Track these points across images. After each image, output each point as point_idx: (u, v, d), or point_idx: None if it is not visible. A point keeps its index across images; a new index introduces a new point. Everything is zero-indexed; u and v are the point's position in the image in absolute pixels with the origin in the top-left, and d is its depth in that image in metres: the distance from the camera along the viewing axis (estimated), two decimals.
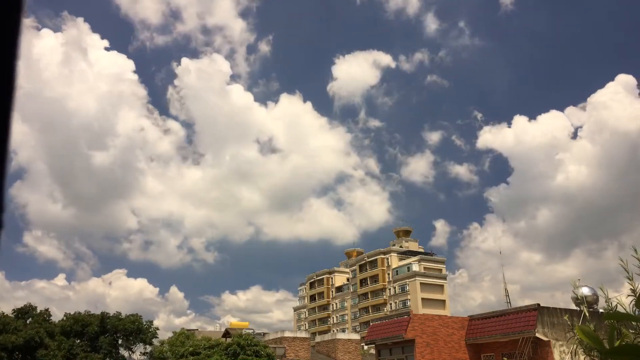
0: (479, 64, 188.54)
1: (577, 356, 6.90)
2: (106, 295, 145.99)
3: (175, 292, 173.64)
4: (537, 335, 31.52)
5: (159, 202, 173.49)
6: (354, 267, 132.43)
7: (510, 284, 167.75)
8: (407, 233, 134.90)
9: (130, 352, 55.64)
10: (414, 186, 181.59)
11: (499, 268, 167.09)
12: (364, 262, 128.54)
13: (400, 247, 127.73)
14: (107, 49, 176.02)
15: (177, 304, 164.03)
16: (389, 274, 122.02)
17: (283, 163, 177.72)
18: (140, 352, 56.10)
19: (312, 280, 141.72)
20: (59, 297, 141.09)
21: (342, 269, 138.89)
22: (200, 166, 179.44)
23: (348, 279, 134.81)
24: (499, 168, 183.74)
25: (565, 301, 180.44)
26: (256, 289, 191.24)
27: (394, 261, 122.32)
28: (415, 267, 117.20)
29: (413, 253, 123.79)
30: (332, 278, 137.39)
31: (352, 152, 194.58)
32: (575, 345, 6.83)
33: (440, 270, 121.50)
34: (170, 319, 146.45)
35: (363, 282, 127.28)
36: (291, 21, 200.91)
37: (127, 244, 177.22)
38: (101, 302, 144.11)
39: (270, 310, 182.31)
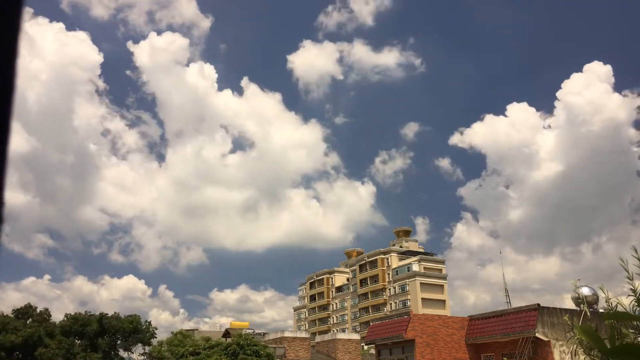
0: (447, 61, 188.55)
1: (577, 356, 6.86)
2: (95, 296, 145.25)
3: (163, 292, 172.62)
4: (537, 335, 31.49)
5: (129, 201, 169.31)
6: (354, 267, 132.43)
7: (490, 284, 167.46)
8: (407, 233, 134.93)
9: (129, 353, 55.59)
10: (390, 183, 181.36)
11: (480, 267, 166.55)
12: (364, 262, 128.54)
13: (400, 247, 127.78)
14: (63, 31, 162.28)
15: (168, 304, 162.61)
16: (389, 274, 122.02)
17: (254, 159, 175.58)
18: (139, 353, 56.06)
19: (312, 280, 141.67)
20: (47, 298, 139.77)
21: (342, 269, 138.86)
22: (169, 163, 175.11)
23: (348, 279, 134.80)
24: (474, 165, 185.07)
25: (552, 300, 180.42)
26: (244, 288, 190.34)
27: (394, 261, 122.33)
28: (415, 267, 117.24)
29: (413, 253, 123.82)
30: (332, 278, 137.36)
31: (327, 148, 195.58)
32: (575, 345, 6.78)
33: (440, 270, 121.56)
34: (160, 318, 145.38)
35: (363, 282, 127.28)
36: (257, 11, 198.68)
37: (105, 244, 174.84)
38: (92, 302, 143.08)
39: (262, 309, 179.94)
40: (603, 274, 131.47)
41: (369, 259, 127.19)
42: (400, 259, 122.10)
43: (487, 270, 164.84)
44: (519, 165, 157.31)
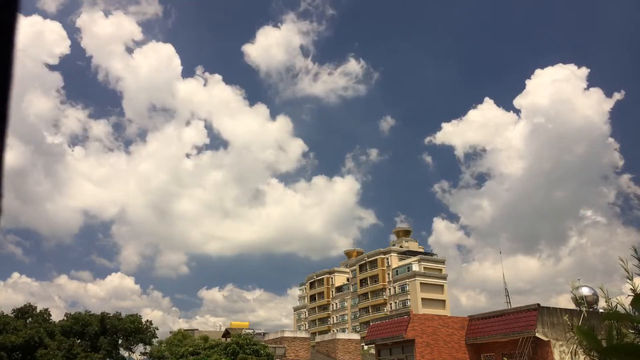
0: (418, 59, 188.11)
1: (577, 356, 6.87)
2: (82, 294, 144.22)
3: (151, 291, 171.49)
4: (537, 335, 31.51)
5: (104, 197, 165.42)
6: (354, 267, 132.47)
7: (477, 284, 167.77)
8: (407, 233, 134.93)
9: (130, 352, 55.59)
10: (366, 181, 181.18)
11: (465, 265, 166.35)
12: (364, 262, 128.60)
13: (400, 247, 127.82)
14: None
15: (158, 303, 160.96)
16: (389, 274, 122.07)
17: (228, 156, 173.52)
18: (140, 352, 56.05)
19: (312, 280, 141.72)
20: (34, 296, 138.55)
21: (342, 269, 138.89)
22: (140, 158, 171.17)
23: (348, 279, 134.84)
24: (449, 164, 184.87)
25: (540, 299, 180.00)
26: (231, 287, 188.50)
27: (394, 261, 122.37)
28: (415, 267, 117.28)
29: (413, 253, 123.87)
30: (332, 278, 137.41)
31: (303, 146, 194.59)
32: (575, 345, 6.80)
33: (440, 270, 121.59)
34: (151, 316, 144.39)
35: (363, 282, 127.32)
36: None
37: (82, 246, 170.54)
38: (80, 301, 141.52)
39: (254, 309, 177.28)
40: (591, 273, 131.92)
41: (369, 259, 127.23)
42: (400, 259, 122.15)
43: (471, 269, 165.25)
44: (495, 164, 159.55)
